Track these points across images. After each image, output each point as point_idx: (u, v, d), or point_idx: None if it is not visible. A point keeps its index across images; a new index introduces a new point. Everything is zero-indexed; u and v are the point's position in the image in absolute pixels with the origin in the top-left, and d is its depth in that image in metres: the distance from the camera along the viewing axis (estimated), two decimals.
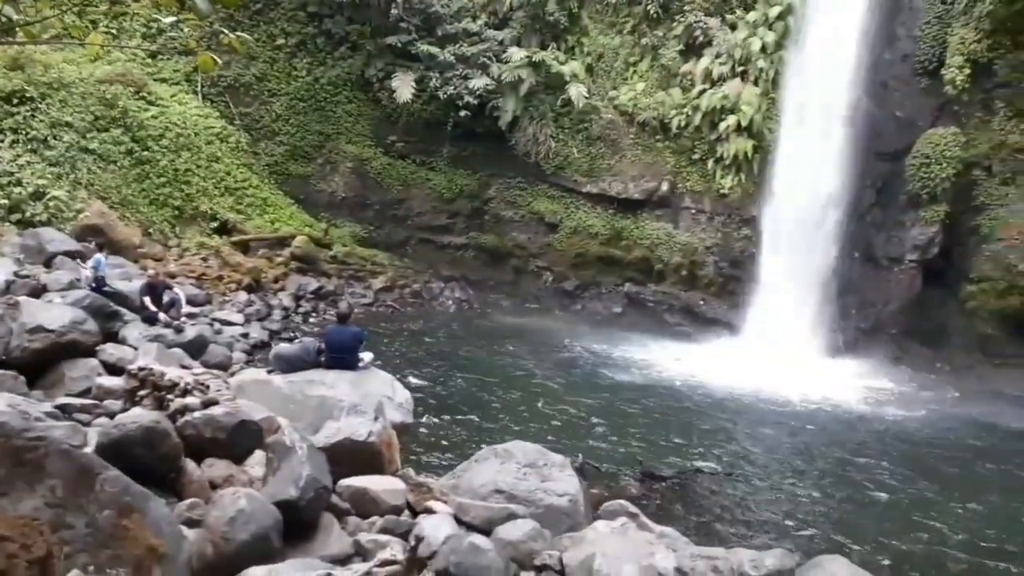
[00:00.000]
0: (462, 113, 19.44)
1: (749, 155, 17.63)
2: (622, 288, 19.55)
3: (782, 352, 14.98)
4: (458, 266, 20.90)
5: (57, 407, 7.39)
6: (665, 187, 18.90)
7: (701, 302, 18.51)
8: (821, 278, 16.25)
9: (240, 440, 6.16)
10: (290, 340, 13.04)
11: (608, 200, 19.74)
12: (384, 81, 19.99)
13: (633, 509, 6.63)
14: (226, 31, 4.02)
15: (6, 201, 14.03)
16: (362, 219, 20.74)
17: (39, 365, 8.75)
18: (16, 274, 11.49)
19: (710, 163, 18.29)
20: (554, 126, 19.51)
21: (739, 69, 17.86)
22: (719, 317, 18.01)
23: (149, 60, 19.03)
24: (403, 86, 19.18)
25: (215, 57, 3.83)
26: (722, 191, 18.26)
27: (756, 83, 17.55)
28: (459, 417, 10.54)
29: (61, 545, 3.52)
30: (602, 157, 19.59)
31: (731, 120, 17.59)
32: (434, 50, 19.39)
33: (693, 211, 18.75)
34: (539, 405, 11.42)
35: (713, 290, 18.51)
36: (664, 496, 8.32)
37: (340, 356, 8.68)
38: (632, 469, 8.88)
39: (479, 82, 19.12)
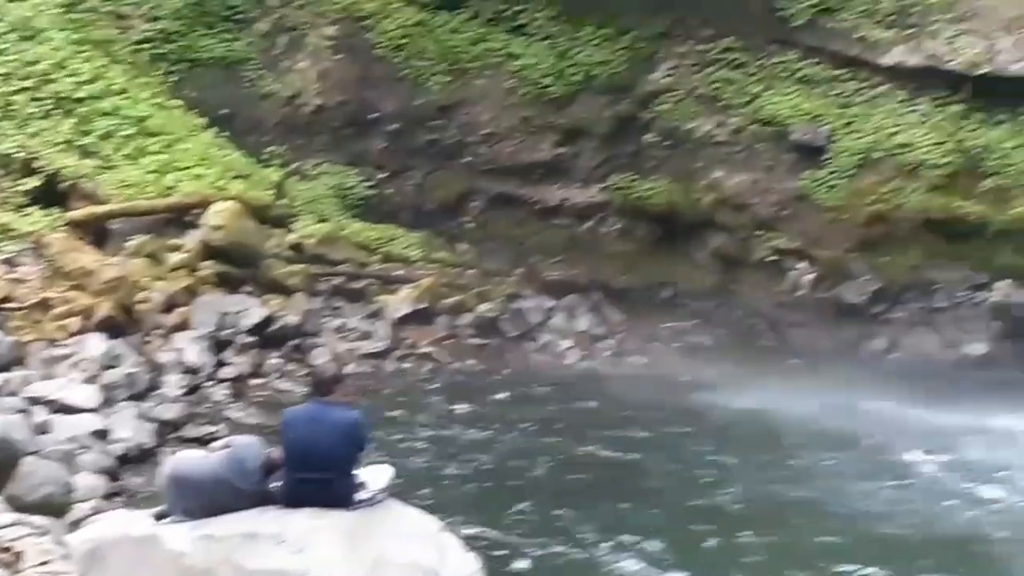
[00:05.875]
0: None
1: None
2: (985, 295, 20.18)
3: None
4: (583, 257, 21.92)
5: None
6: None
7: None
8: None
9: None
10: (204, 443, 13.43)
11: (943, 83, 20.53)
12: None
13: None
14: None
15: None
16: (360, 156, 22.32)
17: None
18: None
19: None
20: None
21: None
22: None
23: None
24: None
25: None
26: None
27: None
28: None
29: None
30: None
31: None
32: None
33: None
34: None
35: None
36: None
37: (316, 476, 9.33)
38: None
39: None
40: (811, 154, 21.09)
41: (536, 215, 22.04)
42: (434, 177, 22.14)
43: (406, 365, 19.42)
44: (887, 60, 20.64)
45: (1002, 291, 19.99)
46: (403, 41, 22.38)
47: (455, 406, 17.57)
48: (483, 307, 20.61)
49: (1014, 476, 15.24)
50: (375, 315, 20.18)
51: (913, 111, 20.62)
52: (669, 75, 21.86)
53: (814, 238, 21.00)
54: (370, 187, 21.89)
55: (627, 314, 21.46)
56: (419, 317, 20.28)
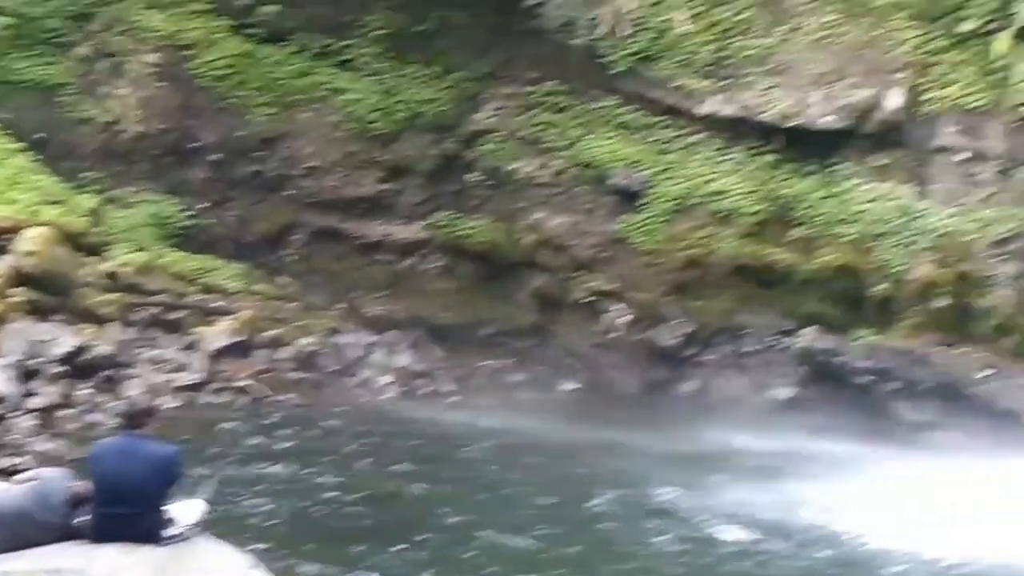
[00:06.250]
0: None
1: None
2: (795, 340, 20.62)
3: None
4: (405, 294, 21.98)
5: None
6: (895, 100, 20.20)
7: (983, 372, 19.46)
8: None
9: None
10: (8, 475, 12.18)
11: (760, 133, 20.93)
12: None
13: None
14: None
15: None
16: (181, 185, 21.96)
17: None
18: None
19: (1002, 42, 19.75)
20: None
21: None
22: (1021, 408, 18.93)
23: None
24: None
25: None
26: None
27: None
28: None
29: None
30: (745, 32, 20.99)
31: None
32: None
33: (963, 156, 20.00)
34: None
35: (1013, 343, 19.53)
36: None
37: (126, 511, 9.10)
38: None
39: None
40: (629, 199, 21.40)
41: (358, 250, 22.04)
42: (256, 209, 22.01)
43: (222, 398, 19.35)
44: (703, 109, 21.05)
45: (808, 337, 20.52)
46: (227, 72, 22.15)
47: (271, 440, 17.50)
48: (303, 341, 20.63)
49: (785, 518, 15.44)
50: (192, 347, 20.02)
51: (727, 160, 21.09)
52: (493, 116, 22.06)
53: (630, 281, 21.33)
54: (190, 217, 21.57)
55: (447, 351, 21.67)
56: (237, 350, 20.20)
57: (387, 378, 20.89)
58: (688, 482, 16.71)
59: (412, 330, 21.74)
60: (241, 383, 19.71)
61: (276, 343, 20.53)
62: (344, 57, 22.42)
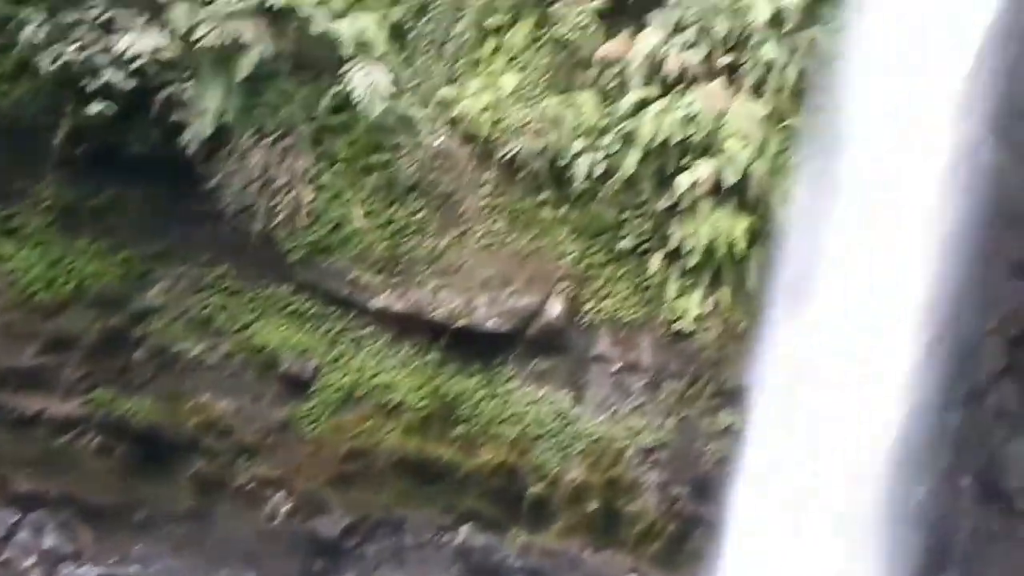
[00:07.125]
0: (95, 108, 20.05)
1: (740, 249, 19.91)
2: (453, 536, 21.05)
3: None
4: (57, 471, 20.85)
5: None
6: (557, 309, 20.73)
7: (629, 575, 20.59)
8: (900, 515, 17.57)
9: None
10: None
11: (429, 331, 21.13)
12: None
13: None
14: None
15: None
16: None
17: None
18: None
19: (655, 261, 20.53)
20: (312, 154, 21.27)
21: (721, 60, 20.24)
22: None
23: None
24: None
25: None
26: (680, 325, 20.55)
27: (757, 92, 20.21)
28: None
29: None
30: (419, 232, 21.60)
31: (703, 170, 19.93)
32: None
33: (617, 367, 20.74)
34: None
35: (656, 548, 20.37)
36: None
37: None
38: None
39: (142, 42, 19.97)
40: (298, 386, 21.38)
41: (10, 424, 21.04)
42: None
43: None
44: (375, 304, 21.23)
45: (465, 534, 20.99)
46: None
47: None
48: None
49: None
50: None
51: (396, 354, 21.38)
52: (163, 294, 21.65)
53: (294, 468, 21.21)
54: None
55: (99, 534, 20.95)
56: None
57: (31, 559, 20.17)
58: None
59: (62, 510, 20.90)
60: None
61: None
62: (10, 225, 21.64)
